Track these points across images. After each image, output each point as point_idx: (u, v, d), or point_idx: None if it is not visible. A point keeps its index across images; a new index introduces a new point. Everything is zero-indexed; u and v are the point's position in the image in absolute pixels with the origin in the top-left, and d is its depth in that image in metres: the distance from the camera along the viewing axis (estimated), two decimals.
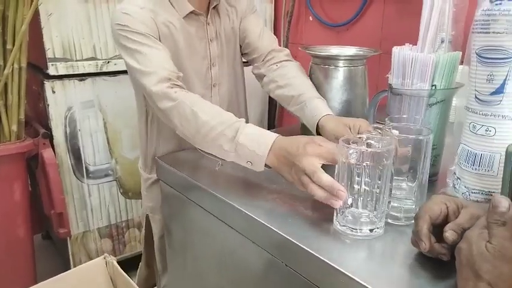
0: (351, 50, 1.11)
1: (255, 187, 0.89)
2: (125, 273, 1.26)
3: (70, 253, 1.88)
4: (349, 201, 0.68)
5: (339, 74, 1.03)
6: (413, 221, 0.62)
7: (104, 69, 1.77)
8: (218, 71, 1.16)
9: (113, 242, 2.00)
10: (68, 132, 1.76)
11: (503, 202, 0.45)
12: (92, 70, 1.75)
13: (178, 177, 0.94)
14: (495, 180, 0.73)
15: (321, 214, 0.76)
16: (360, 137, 0.69)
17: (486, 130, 0.71)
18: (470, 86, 0.74)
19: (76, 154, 1.80)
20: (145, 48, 0.98)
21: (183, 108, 0.90)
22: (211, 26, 1.13)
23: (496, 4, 0.67)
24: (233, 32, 1.19)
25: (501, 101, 0.69)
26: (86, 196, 1.87)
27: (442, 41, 0.85)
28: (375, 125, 0.77)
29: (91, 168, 1.86)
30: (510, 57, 0.66)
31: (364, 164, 0.65)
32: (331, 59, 1.04)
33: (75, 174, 1.82)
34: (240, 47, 1.23)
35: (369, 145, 0.69)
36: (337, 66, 1.03)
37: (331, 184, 0.68)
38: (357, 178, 0.66)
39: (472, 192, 0.76)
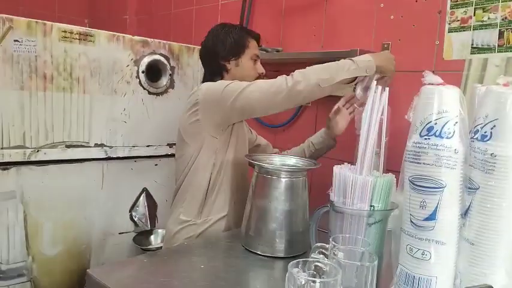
0: (291, 160, 1.16)
1: None
2: None
3: None
4: None
5: (281, 185, 1.06)
6: None
7: (32, 158, 1.67)
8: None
9: None
10: None
11: None
12: (19, 159, 1.64)
13: None
14: None
15: None
16: (308, 261, 0.69)
17: (422, 254, 0.75)
18: (405, 210, 0.79)
19: None
20: None
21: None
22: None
23: (425, 138, 0.75)
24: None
25: (434, 227, 0.74)
26: None
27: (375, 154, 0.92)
28: (320, 245, 0.78)
29: (3, 268, 1.66)
30: (440, 187, 0.73)
31: None
32: (274, 170, 1.07)
33: None
34: None
35: (316, 268, 0.69)
36: (280, 177, 1.06)
37: None
38: None
39: None
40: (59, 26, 1.69)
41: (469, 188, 0.75)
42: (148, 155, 2.01)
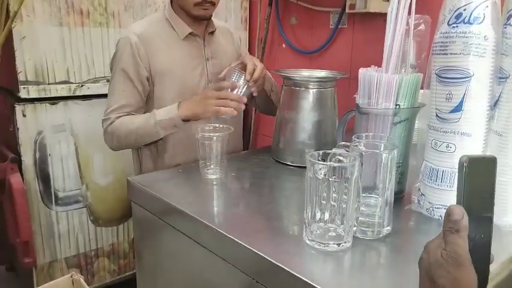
0: (321, 73, 1.14)
1: (226, 206, 0.90)
2: None
3: (35, 285, 1.80)
4: (318, 215, 0.69)
5: (309, 96, 1.06)
6: (380, 236, 0.65)
7: (77, 93, 1.76)
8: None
9: (81, 272, 1.92)
10: (37, 157, 1.72)
11: (457, 211, 0.46)
12: (65, 93, 1.73)
13: (152, 198, 0.93)
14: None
15: (291, 229, 0.78)
16: (329, 153, 0.70)
17: (447, 147, 0.74)
18: (431, 105, 0.77)
19: (45, 180, 1.75)
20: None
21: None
22: (208, 47, 1.29)
23: (453, 27, 0.71)
24: (232, 55, 1.36)
25: (460, 118, 0.72)
26: (54, 224, 1.81)
27: (405, 66, 0.88)
28: (343, 143, 0.79)
29: (60, 195, 1.81)
30: (467, 77, 0.70)
31: (331, 179, 0.66)
32: (302, 81, 1.07)
33: (43, 201, 1.76)
34: None
35: (337, 161, 0.70)
36: (308, 88, 1.06)
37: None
38: (324, 194, 0.68)
39: (435, 208, 0.78)
40: None
41: (500, 78, 0.72)
42: None
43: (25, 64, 1.61)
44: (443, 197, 0.76)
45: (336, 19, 1.79)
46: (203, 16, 1.23)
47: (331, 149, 0.93)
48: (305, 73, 1.16)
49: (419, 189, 0.81)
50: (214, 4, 1.22)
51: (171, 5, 1.28)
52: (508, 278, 0.66)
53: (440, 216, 0.77)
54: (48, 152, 1.74)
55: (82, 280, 1.09)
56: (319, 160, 0.69)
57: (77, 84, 1.75)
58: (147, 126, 1.16)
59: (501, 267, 0.66)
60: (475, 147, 0.73)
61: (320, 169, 0.67)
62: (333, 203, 0.68)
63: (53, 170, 1.76)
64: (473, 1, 0.69)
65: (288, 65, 2.05)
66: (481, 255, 0.47)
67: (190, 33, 1.25)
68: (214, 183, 0.99)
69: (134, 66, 1.19)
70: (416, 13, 1.34)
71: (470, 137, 0.72)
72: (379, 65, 0.87)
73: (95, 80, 1.81)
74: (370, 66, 0.89)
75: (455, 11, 0.71)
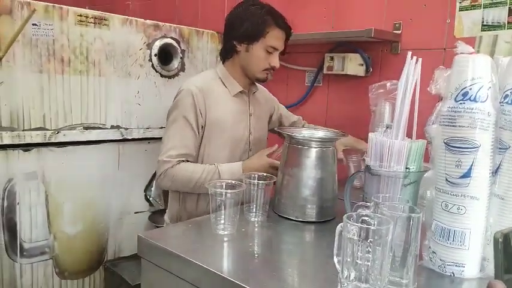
0: (320, 133, 1.22)
1: (246, 260, 0.91)
2: None
3: None
4: (352, 275, 0.73)
5: (312, 154, 1.12)
6: None
7: (52, 140, 1.70)
8: (253, 138, 1.49)
9: None
10: (4, 205, 1.62)
11: (498, 286, 0.52)
12: (39, 140, 1.67)
13: (163, 252, 0.92)
14: (467, 253, 0.83)
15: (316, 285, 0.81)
16: (357, 215, 0.75)
17: (458, 209, 0.83)
18: (439, 170, 0.86)
19: (11, 230, 1.65)
20: None
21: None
22: (251, 104, 1.50)
23: (461, 103, 0.81)
24: (267, 113, 1.61)
25: (469, 183, 0.81)
26: (17, 277, 1.69)
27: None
28: (362, 203, 0.84)
29: (26, 246, 1.70)
30: (475, 147, 0.80)
31: (368, 240, 0.71)
32: (306, 141, 1.13)
33: (7, 253, 1.65)
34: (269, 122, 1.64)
35: (364, 222, 0.75)
36: (311, 147, 1.12)
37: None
38: (359, 254, 0.72)
39: (447, 265, 0.85)
40: (75, 10, 1.71)
41: (500, 148, 0.82)
42: (161, 136, 2.05)
43: (0, 110, 1.55)
44: (454, 255, 0.83)
45: (312, 77, 1.91)
46: (264, 79, 1.44)
47: (331, 205, 0.99)
48: (305, 132, 1.23)
49: (429, 246, 0.88)
50: (275, 70, 1.42)
51: (223, 65, 1.48)
52: None
53: (452, 273, 0.84)
54: (17, 201, 1.65)
55: None
56: (350, 220, 0.73)
57: (52, 131, 1.70)
58: (210, 180, 1.28)
59: None
60: (481, 210, 0.82)
61: (353, 230, 0.72)
62: (367, 263, 0.72)
63: (20, 219, 1.66)
64: (477, 82, 0.80)
65: None
66: None
67: (240, 91, 1.44)
68: (225, 239, 1.00)
69: (195, 115, 1.35)
70: (392, 79, 1.49)
71: (478, 201, 0.81)
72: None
73: (71, 127, 1.76)
74: (383, 128, 0.97)
75: (462, 90, 0.81)
